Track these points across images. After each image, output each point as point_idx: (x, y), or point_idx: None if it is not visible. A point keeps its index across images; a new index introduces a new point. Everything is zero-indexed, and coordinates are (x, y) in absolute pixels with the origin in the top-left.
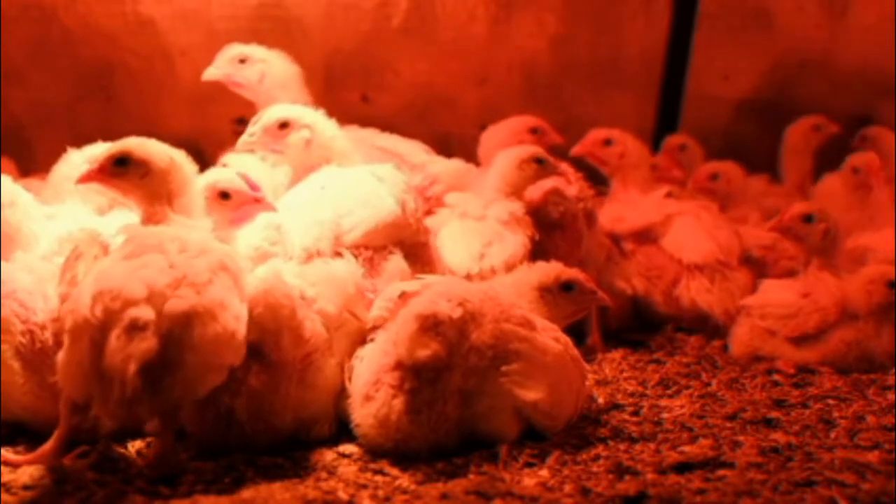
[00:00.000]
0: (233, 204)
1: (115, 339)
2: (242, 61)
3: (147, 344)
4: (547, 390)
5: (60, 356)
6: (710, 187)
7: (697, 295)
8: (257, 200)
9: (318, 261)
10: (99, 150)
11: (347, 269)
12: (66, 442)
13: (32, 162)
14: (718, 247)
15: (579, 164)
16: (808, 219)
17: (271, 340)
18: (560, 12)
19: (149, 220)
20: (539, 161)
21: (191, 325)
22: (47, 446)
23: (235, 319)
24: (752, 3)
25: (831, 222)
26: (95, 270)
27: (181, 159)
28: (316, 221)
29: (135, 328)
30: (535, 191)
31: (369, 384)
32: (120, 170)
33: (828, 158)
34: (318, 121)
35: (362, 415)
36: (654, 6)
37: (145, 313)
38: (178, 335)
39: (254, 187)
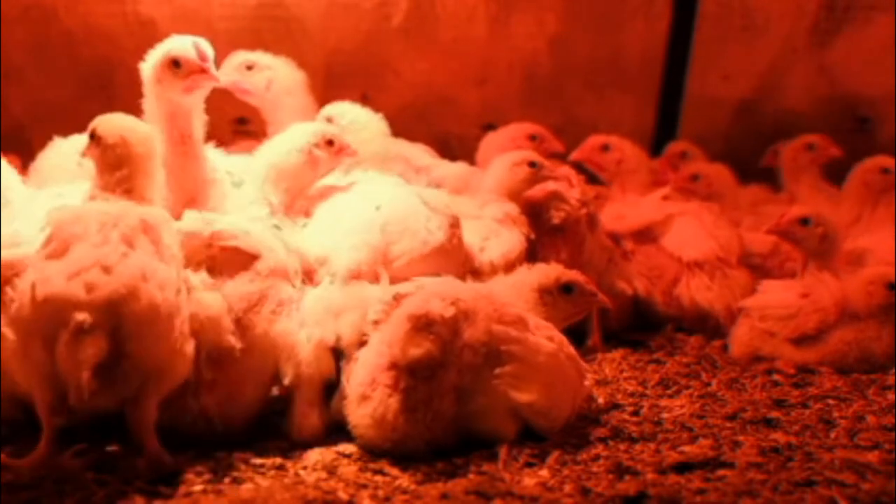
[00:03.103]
0: (183, 72)
1: (63, 345)
2: (249, 68)
3: (96, 347)
4: (542, 391)
5: (15, 365)
6: (691, 188)
7: (697, 292)
8: (203, 71)
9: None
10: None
11: (377, 294)
12: (56, 441)
13: (32, 162)
14: (719, 245)
15: (581, 166)
16: (805, 222)
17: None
18: (560, 12)
19: (97, 190)
20: (532, 164)
21: (120, 311)
22: (39, 450)
23: (159, 289)
24: (752, 4)
25: (829, 226)
26: (32, 271)
27: (136, 138)
28: (365, 243)
29: (81, 332)
30: (538, 191)
31: (365, 384)
32: (91, 143)
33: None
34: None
35: (359, 415)
36: (654, 7)
37: (87, 316)
38: (116, 325)
39: (203, 58)
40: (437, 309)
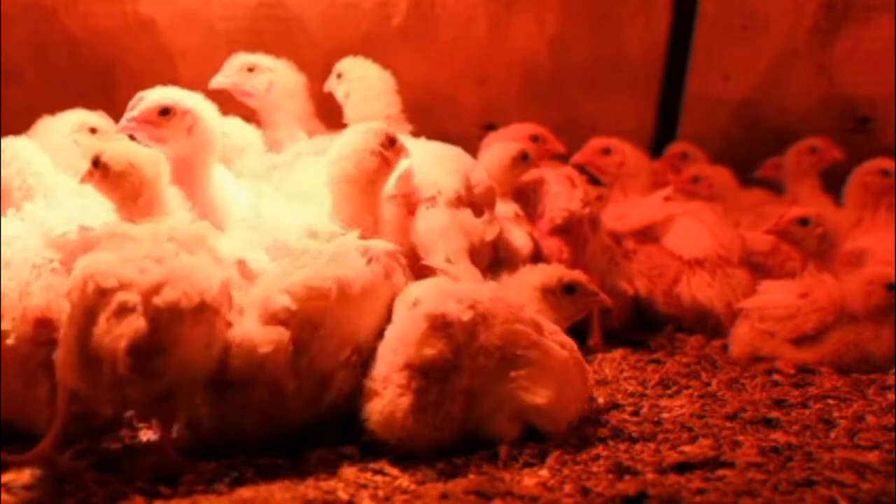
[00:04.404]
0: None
1: (104, 321)
2: (251, 70)
3: (135, 324)
4: (553, 394)
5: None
6: (693, 190)
7: (698, 290)
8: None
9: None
10: (74, 116)
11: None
12: (61, 436)
13: None
14: (720, 243)
15: (583, 169)
16: (804, 222)
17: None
18: (560, 12)
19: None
20: (524, 157)
21: (165, 299)
22: (44, 443)
23: (207, 289)
24: (752, 4)
25: (828, 226)
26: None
27: (143, 162)
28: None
29: (123, 310)
30: (527, 177)
31: (378, 380)
32: (95, 171)
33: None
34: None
35: (369, 409)
36: (654, 6)
37: (130, 297)
38: (157, 314)
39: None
40: (454, 311)
